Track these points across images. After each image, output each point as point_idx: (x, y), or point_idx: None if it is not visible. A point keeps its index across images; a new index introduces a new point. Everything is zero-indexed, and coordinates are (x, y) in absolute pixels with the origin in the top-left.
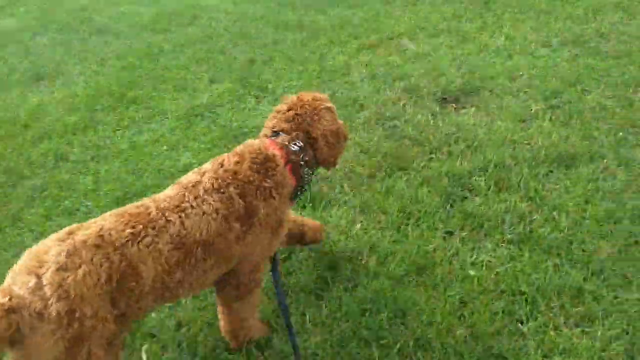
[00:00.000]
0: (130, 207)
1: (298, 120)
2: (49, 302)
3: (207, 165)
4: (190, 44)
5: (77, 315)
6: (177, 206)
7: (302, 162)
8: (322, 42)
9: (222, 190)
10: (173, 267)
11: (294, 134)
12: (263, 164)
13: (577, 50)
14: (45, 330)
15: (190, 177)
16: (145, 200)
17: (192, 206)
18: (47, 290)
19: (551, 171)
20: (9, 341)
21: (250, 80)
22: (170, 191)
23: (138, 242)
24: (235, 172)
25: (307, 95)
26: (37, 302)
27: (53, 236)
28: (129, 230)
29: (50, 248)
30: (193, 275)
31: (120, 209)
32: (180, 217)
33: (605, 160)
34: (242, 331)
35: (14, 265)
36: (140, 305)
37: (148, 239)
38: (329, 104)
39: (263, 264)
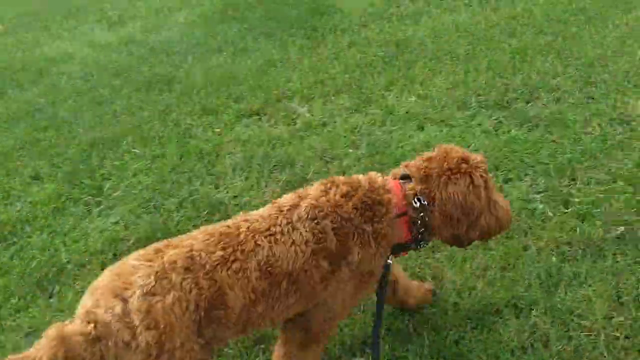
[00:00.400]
0: (221, 225)
1: (428, 175)
2: (137, 331)
3: (312, 188)
4: (25, 114)
5: (166, 346)
6: (268, 229)
7: (419, 220)
8: (193, 108)
9: (316, 220)
10: (258, 298)
11: (419, 187)
12: (372, 206)
13: (500, 115)
14: None
15: (289, 198)
16: (238, 218)
17: (282, 232)
18: (135, 318)
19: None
20: None
21: (84, 176)
22: (264, 211)
23: (228, 267)
24: (337, 205)
25: (457, 152)
26: (125, 331)
27: (139, 253)
28: (219, 253)
29: (137, 268)
30: (275, 310)
31: (211, 227)
32: (269, 242)
33: (533, 311)
34: None
35: (95, 282)
36: (224, 336)
37: (237, 264)
38: (476, 171)
39: (339, 318)
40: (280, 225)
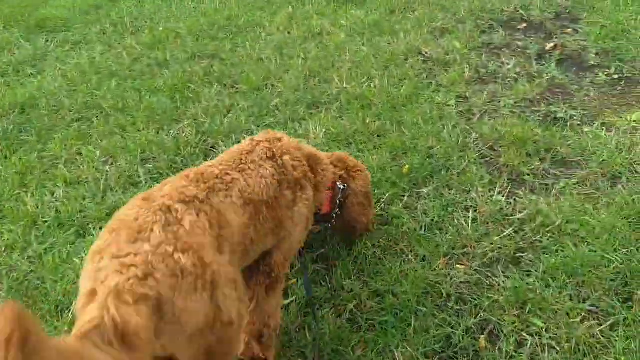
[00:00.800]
0: (193, 170)
1: (343, 167)
2: (176, 257)
3: (258, 137)
4: None
5: (206, 261)
6: (238, 166)
7: (338, 202)
8: None
9: (275, 158)
10: (248, 222)
11: (340, 172)
12: (317, 163)
13: None
14: (185, 286)
15: (243, 145)
16: (203, 166)
17: (250, 168)
18: (167, 247)
19: None
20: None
21: None
22: (225, 156)
23: (216, 194)
24: (290, 148)
25: (349, 157)
26: (166, 261)
27: (127, 207)
28: (203, 186)
29: (137, 215)
30: (259, 235)
31: (183, 172)
32: (243, 175)
33: None
34: (267, 330)
35: (95, 246)
36: (233, 259)
37: (223, 193)
38: (367, 171)
39: (291, 255)
40: (246, 164)
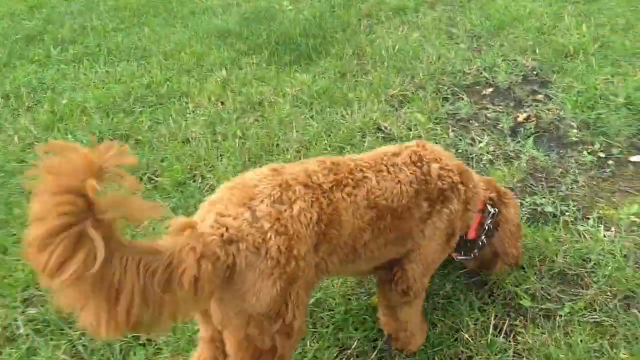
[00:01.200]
0: (332, 158)
1: (493, 190)
2: (267, 235)
3: (408, 143)
4: None
5: (294, 253)
6: (374, 166)
7: (486, 227)
8: None
9: (422, 164)
10: (365, 226)
11: (490, 195)
12: (468, 175)
13: None
14: (263, 267)
15: (390, 147)
16: (343, 157)
17: (388, 170)
18: (265, 223)
19: None
20: (225, 276)
21: None
22: (369, 153)
23: (341, 190)
24: (442, 156)
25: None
26: (256, 235)
27: (255, 171)
28: (333, 176)
29: (259, 181)
30: (377, 242)
31: (321, 157)
32: (376, 176)
33: None
34: (404, 333)
35: (211, 197)
36: (331, 260)
37: (349, 189)
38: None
39: (431, 271)
40: (386, 165)
